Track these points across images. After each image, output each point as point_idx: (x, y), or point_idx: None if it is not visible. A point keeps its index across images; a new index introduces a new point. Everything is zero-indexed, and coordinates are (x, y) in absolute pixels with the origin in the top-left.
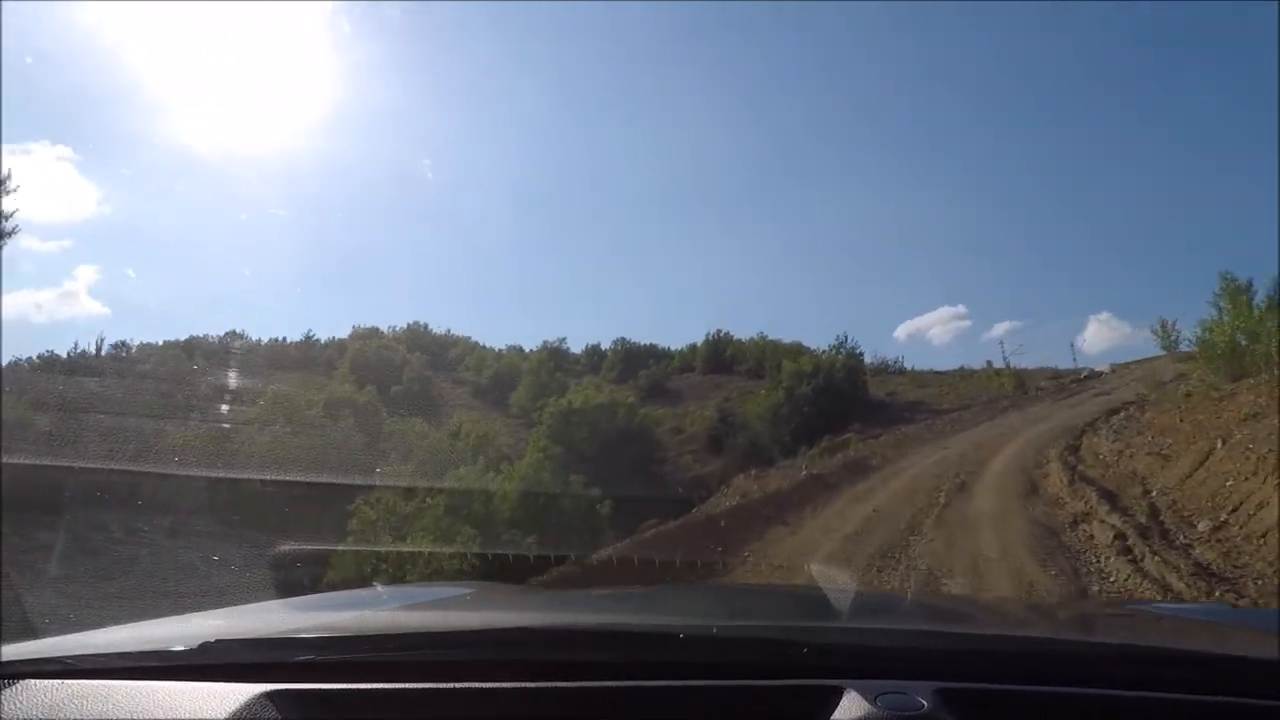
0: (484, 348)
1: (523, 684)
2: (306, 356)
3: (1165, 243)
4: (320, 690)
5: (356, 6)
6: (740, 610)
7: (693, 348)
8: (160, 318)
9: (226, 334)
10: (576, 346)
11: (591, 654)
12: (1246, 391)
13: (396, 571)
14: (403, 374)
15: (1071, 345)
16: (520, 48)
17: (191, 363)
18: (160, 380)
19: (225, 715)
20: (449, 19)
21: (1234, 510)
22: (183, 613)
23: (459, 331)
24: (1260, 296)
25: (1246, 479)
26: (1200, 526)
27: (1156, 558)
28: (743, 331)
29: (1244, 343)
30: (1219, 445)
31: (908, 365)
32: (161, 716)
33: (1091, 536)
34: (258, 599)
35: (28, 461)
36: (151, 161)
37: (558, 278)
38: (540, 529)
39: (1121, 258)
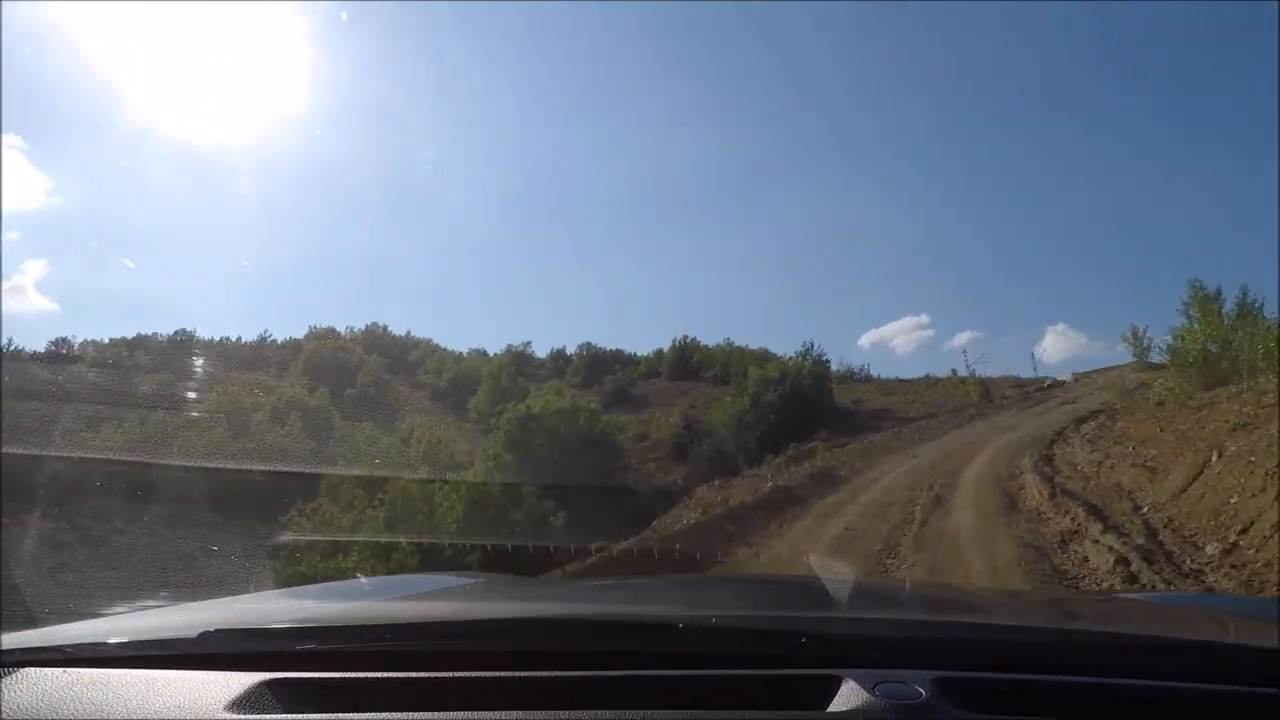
0: (445, 350)
1: (522, 673)
2: (260, 357)
3: (1119, 257)
4: (319, 679)
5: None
6: (738, 600)
7: (659, 353)
8: (114, 314)
9: (176, 332)
10: (542, 351)
11: (590, 644)
12: (1228, 400)
13: None
14: (358, 376)
15: (1032, 354)
16: (487, 48)
17: (133, 361)
18: (99, 379)
19: (224, 704)
20: (419, 19)
21: (1244, 531)
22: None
23: (421, 334)
24: (1230, 305)
25: (1253, 496)
26: (1209, 550)
27: (1166, 585)
28: (709, 337)
29: (1216, 350)
30: (1214, 458)
31: (873, 373)
32: (161, 705)
33: (1086, 559)
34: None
35: None
36: (106, 153)
37: (525, 281)
38: (484, 546)
39: (1077, 272)
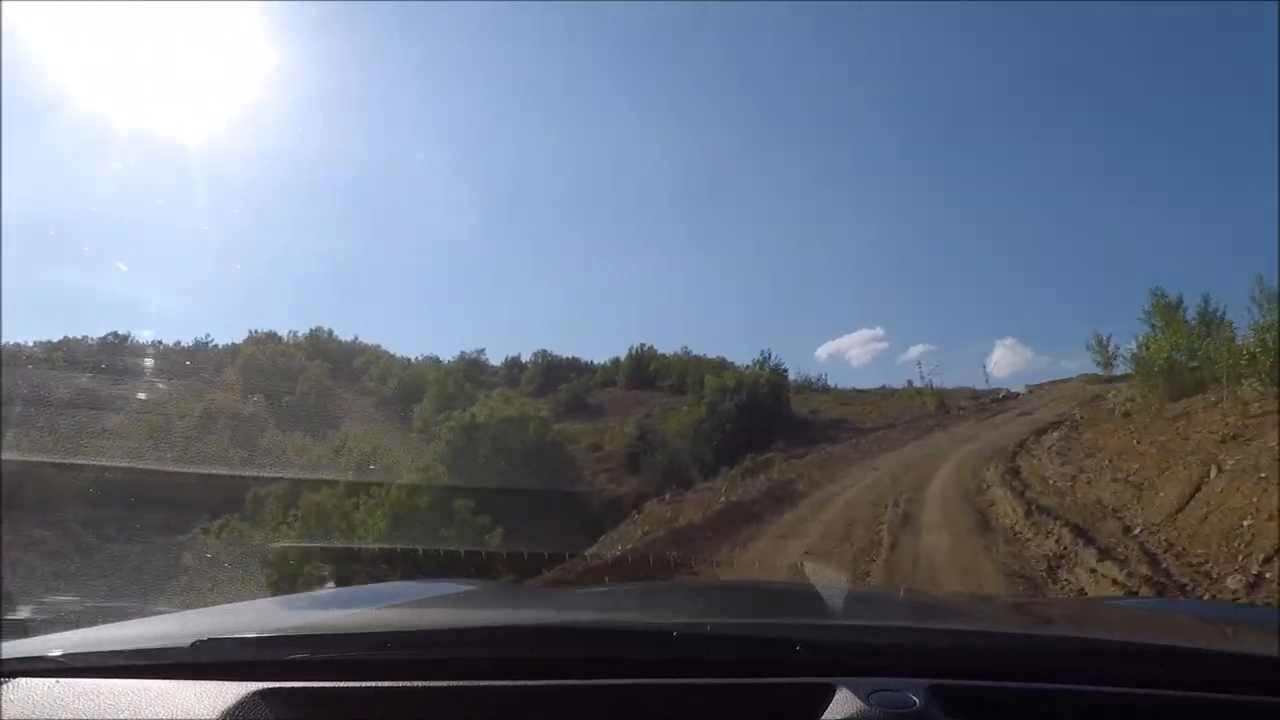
0: (392, 356)
1: (515, 682)
2: (196, 362)
3: (1067, 273)
4: (313, 688)
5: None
6: (733, 608)
7: (616, 362)
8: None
9: (107, 335)
10: (497, 358)
11: (585, 652)
12: (1205, 410)
13: None
14: (298, 382)
15: (983, 367)
16: (441, 50)
17: (54, 364)
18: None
19: (218, 713)
20: (369, 18)
21: (1267, 560)
22: None
23: (371, 340)
24: (1192, 314)
25: (1270, 518)
26: (1229, 583)
27: None
28: (667, 346)
29: (1182, 359)
30: (1212, 473)
31: (830, 383)
32: (154, 715)
33: (1082, 590)
34: None
35: None
36: (44, 146)
37: (481, 288)
38: (408, 566)
39: (1025, 287)
